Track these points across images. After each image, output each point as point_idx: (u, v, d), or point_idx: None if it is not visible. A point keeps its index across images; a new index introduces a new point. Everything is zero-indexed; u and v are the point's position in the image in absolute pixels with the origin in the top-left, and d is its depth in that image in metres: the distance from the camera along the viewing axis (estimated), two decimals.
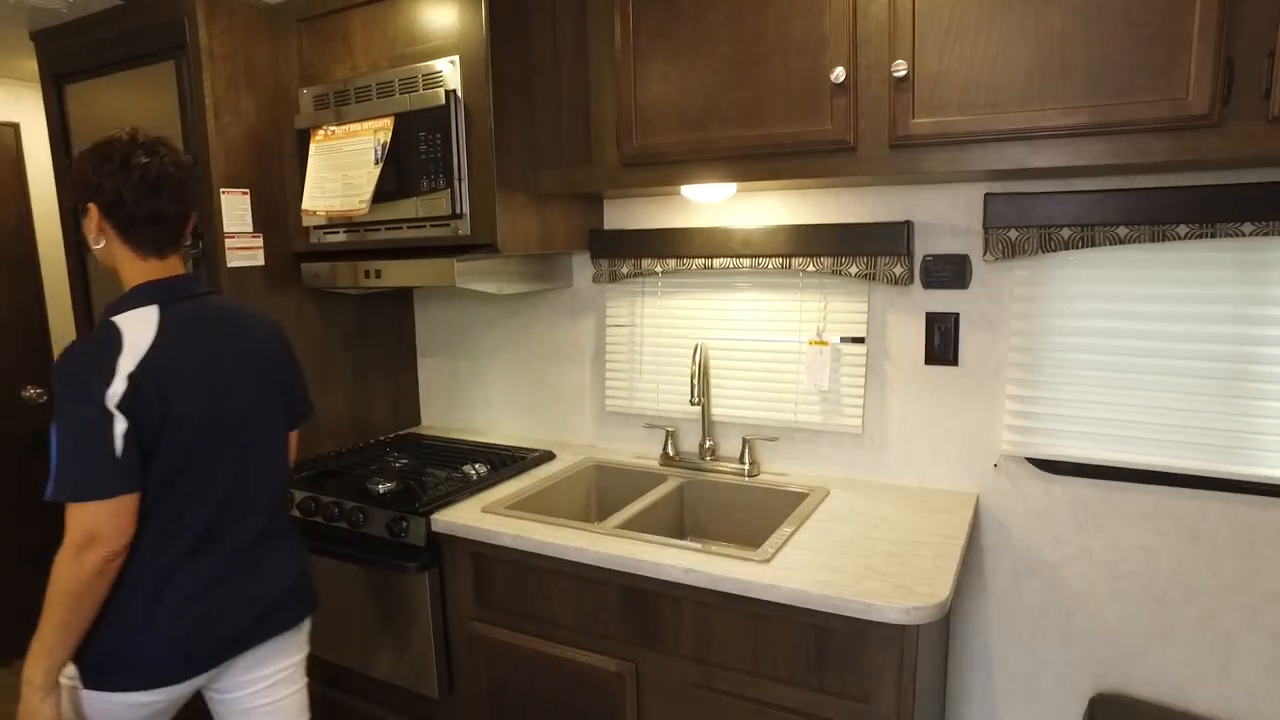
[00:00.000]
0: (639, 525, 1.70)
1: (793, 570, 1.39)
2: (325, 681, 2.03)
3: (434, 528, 1.72)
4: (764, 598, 1.35)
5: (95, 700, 1.24)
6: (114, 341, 1.21)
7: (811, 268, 1.83)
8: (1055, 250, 1.59)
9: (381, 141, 1.82)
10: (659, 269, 2.03)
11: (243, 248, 1.96)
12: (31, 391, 2.84)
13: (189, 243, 1.38)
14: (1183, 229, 1.49)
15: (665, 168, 1.68)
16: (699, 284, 2.03)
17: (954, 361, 1.76)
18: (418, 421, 2.58)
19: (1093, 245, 1.56)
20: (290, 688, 1.48)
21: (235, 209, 1.94)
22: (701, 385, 1.95)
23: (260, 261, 2.01)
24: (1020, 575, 1.76)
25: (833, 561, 1.42)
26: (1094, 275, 1.61)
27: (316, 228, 2.01)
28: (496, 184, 1.75)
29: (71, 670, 1.24)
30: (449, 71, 1.75)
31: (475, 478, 1.92)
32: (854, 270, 1.79)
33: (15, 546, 2.84)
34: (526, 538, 1.59)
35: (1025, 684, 1.79)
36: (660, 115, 1.65)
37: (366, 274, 1.95)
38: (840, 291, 1.86)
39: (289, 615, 1.43)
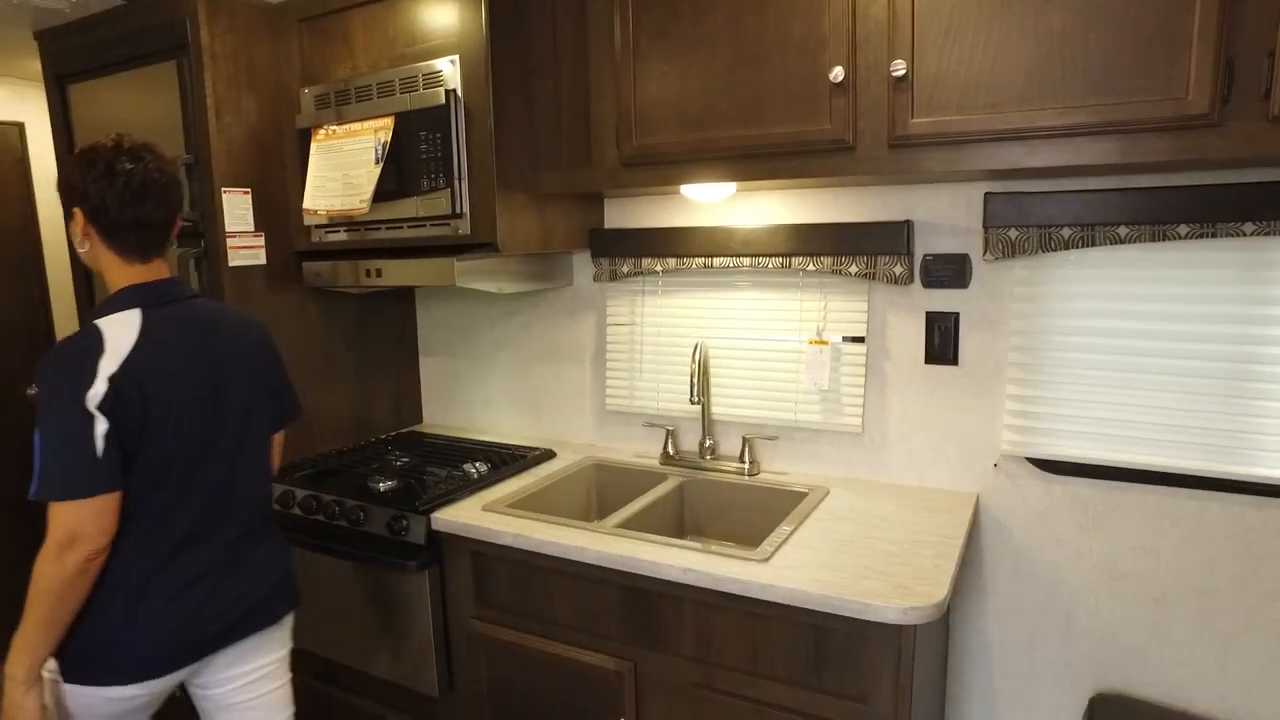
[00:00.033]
0: (639, 524, 1.71)
1: (791, 570, 1.39)
2: (326, 679, 2.04)
3: (434, 526, 1.72)
4: (762, 597, 1.36)
5: (75, 694, 1.27)
6: (95, 344, 1.23)
7: (811, 267, 1.83)
8: (1055, 250, 1.59)
9: (382, 141, 1.82)
10: (659, 268, 2.03)
11: (244, 247, 1.97)
12: (35, 391, 2.85)
13: (175, 246, 1.39)
14: (1184, 229, 1.49)
15: (665, 167, 1.68)
16: (699, 283, 2.03)
17: (954, 361, 1.76)
18: (419, 420, 2.59)
19: (1093, 245, 1.56)
20: (273, 683, 1.50)
21: (237, 208, 1.95)
22: (701, 384, 1.95)
23: (262, 261, 2.02)
24: (1020, 575, 1.76)
25: (831, 561, 1.43)
26: (1094, 275, 1.61)
27: (318, 227, 2.02)
28: (496, 184, 1.75)
29: (53, 664, 1.26)
30: (449, 71, 1.75)
31: (476, 476, 1.93)
32: (854, 270, 1.79)
33: (16, 546, 2.86)
34: (527, 536, 1.60)
35: (1025, 683, 1.79)
36: (660, 115, 1.65)
37: (367, 273, 1.96)
38: (840, 291, 1.86)
39: (270, 613, 1.45)
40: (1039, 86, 1.32)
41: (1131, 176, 1.55)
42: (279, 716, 1.52)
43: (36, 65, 2.28)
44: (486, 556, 1.70)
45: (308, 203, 1.93)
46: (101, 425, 1.19)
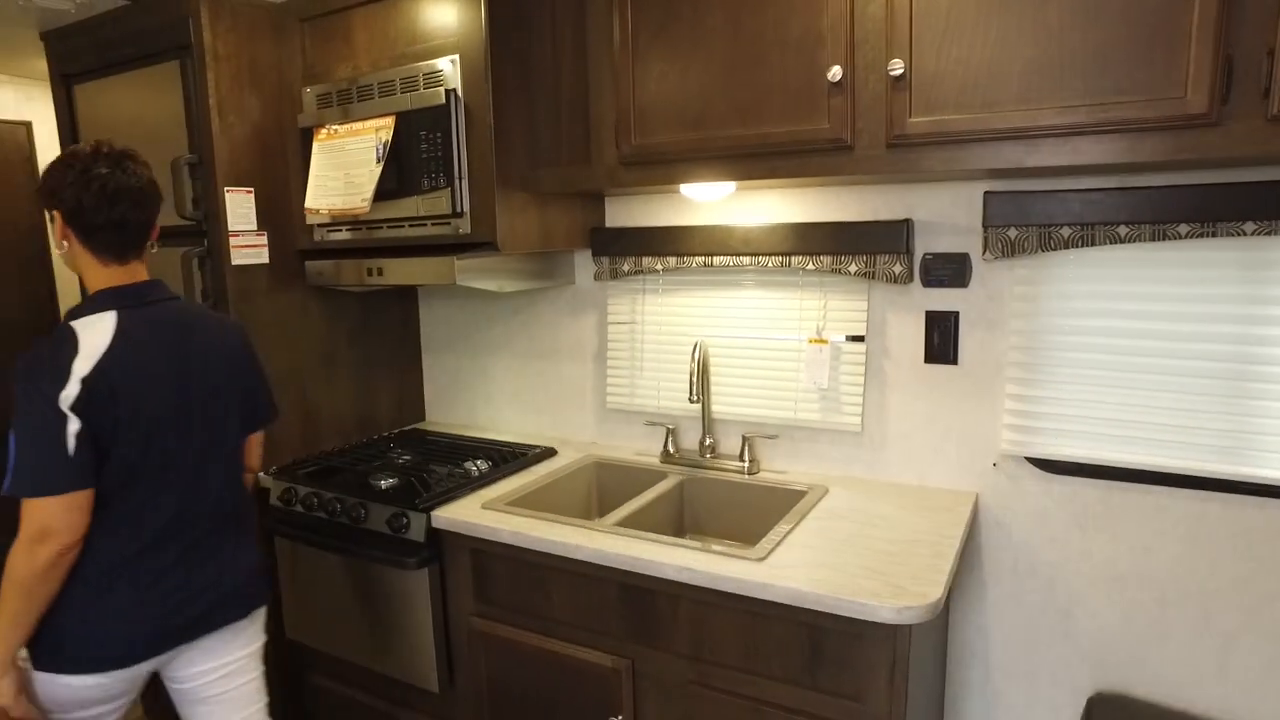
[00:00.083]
0: (638, 522, 1.71)
1: (788, 569, 1.39)
2: (328, 674, 2.05)
3: (434, 524, 1.73)
4: (758, 596, 1.36)
5: (42, 680, 1.31)
6: (69, 345, 1.27)
7: (811, 266, 1.83)
8: (1055, 249, 1.59)
9: (383, 140, 1.83)
10: (660, 267, 2.03)
11: (247, 245, 1.98)
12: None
13: (154, 249, 1.46)
14: (1184, 228, 1.48)
15: (664, 167, 1.68)
16: (700, 282, 2.04)
17: (953, 360, 1.76)
18: (422, 417, 2.60)
19: (1093, 244, 1.56)
20: (243, 678, 1.54)
21: (240, 207, 1.96)
22: (701, 383, 1.95)
23: (265, 259, 2.03)
24: (1019, 574, 1.76)
25: (828, 560, 1.43)
26: (1094, 274, 1.60)
27: (320, 226, 2.03)
28: (496, 183, 1.75)
29: (24, 652, 1.31)
30: (449, 71, 1.76)
31: (476, 474, 1.94)
32: (853, 269, 1.78)
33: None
34: (525, 534, 1.60)
35: (1024, 683, 1.79)
36: (659, 114, 1.65)
37: (369, 272, 1.97)
38: (840, 290, 1.86)
39: (236, 609, 1.49)
40: (1037, 85, 1.31)
41: (1131, 175, 1.54)
42: (251, 709, 1.56)
43: (43, 65, 2.30)
44: (486, 554, 1.71)
45: (310, 202, 1.94)
46: (74, 425, 1.23)
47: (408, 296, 2.52)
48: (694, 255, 1.97)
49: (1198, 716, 1.62)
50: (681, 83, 1.62)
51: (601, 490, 2.11)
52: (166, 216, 1.94)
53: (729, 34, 1.55)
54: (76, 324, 1.31)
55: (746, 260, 1.91)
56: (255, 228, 2.00)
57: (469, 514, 1.71)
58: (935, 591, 1.29)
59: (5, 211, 2.93)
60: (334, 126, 1.91)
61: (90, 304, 1.34)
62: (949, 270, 1.73)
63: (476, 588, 1.74)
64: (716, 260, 1.94)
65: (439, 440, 2.31)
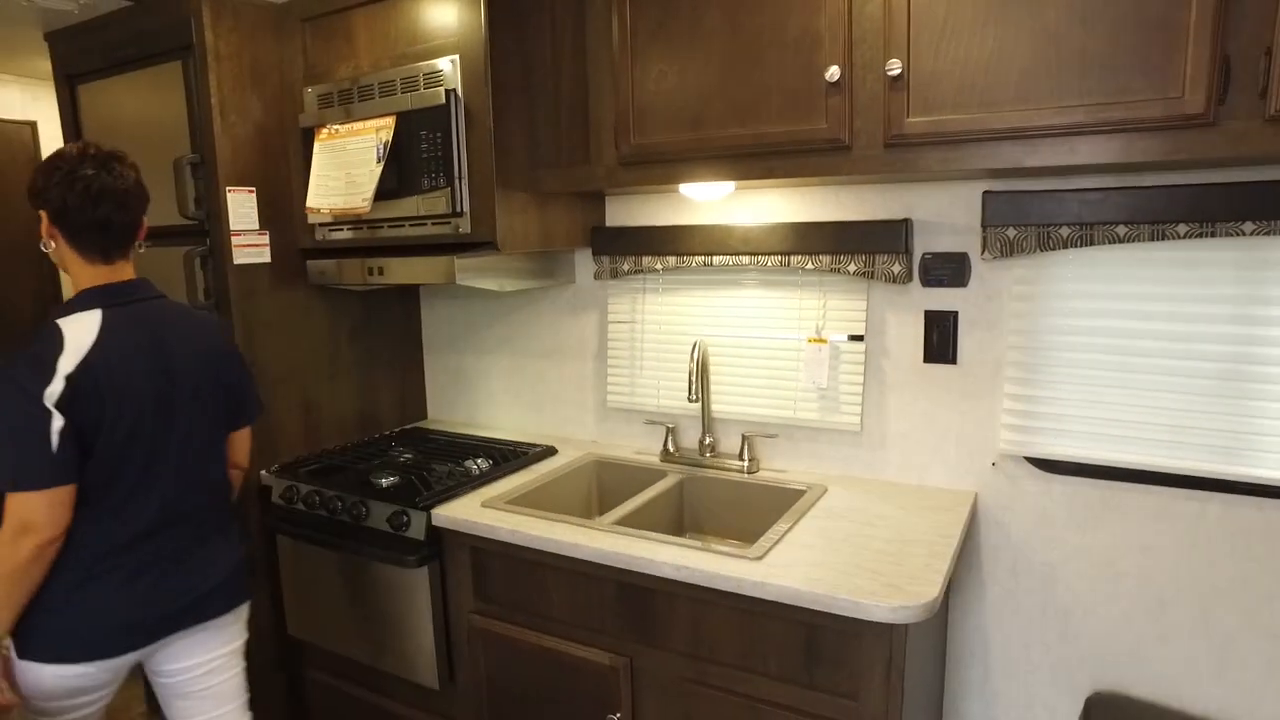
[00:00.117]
0: (638, 521, 1.72)
1: (785, 568, 1.40)
2: (329, 671, 2.07)
3: (434, 522, 1.74)
4: (755, 595, 1.37)
5: (25, 669, 1.34)
6: (55, 343, 1.29)
7: (810, 265, 1.83)
8: (1054, 249, 1.59)
9: (383, 140, 1.84)
10: (660, 266, 2.03)
11: (249, 245, 1.99)
12: None
13: (142, 249, 1.49)
14: (1182, 228, 1.48)
15: (663, 166, 1.68)
16: (699, 281, 2.04)
17: (953, 360, 1.76)
18: (424, 416, 2.61)
19: (1092, 244, 1.55)
20: (225, 674, 1.56)
21: (241, 207, 1.97)
22: (700, 382, 1.95)
23: (266, 259, 2.04)
24: (1018, 574, 1.76)
25: (825, 559, 1.43)
26: (1093, 274, 1.60)
27: (322, 225, 2.04)
28: (496, 182, 1.76)
29: (9, 641, 1.34)
30: (449, 71, 1.76)
31: (477, 473, 1.94)
32: (853, 268, 1.79)
33: None
34: (524, 533, 1.61)
35: (1023, 682, 1.79)
36: (657, 114, 1.66)
37: (370, 271, 1.98)
38: (839, 289, 1.86)
39: (218, 604, 1.51)
40: (1035, 85, 1.31)
41: (1130, 175, 1.54)
42: (231, 704, 1.58)
43: (47, 65, 2.31)
44: (486, 552, 1.72)
45: (311, 201, 1.95)
46: (58, 421, 1.26)
47: (409, 295, 2.53)
48: (694, 255, 1.98)
49: (1196, 716, 1.62)
50: (680, 83, 1.62)
51: (601, 489, 2.11)
52: (169, 216, 1.97)
53: (727, 34, 1.55)
54: (62, 321, 1.33)
55: (746, 260, 1.91)
56: (257, 227, 2.01)
57: (469, 512, 1.72)
58: (931, 591, 1.30)
59: (11, 211, 2.95)
60: (335, 126, 1.92)
61: (76, 302, 1.37)
62: (948, 270, 1.73)
63: (476, 585, 1.75)
64: (716, 260, 1.95)
65: (440, 439, 2.32)
